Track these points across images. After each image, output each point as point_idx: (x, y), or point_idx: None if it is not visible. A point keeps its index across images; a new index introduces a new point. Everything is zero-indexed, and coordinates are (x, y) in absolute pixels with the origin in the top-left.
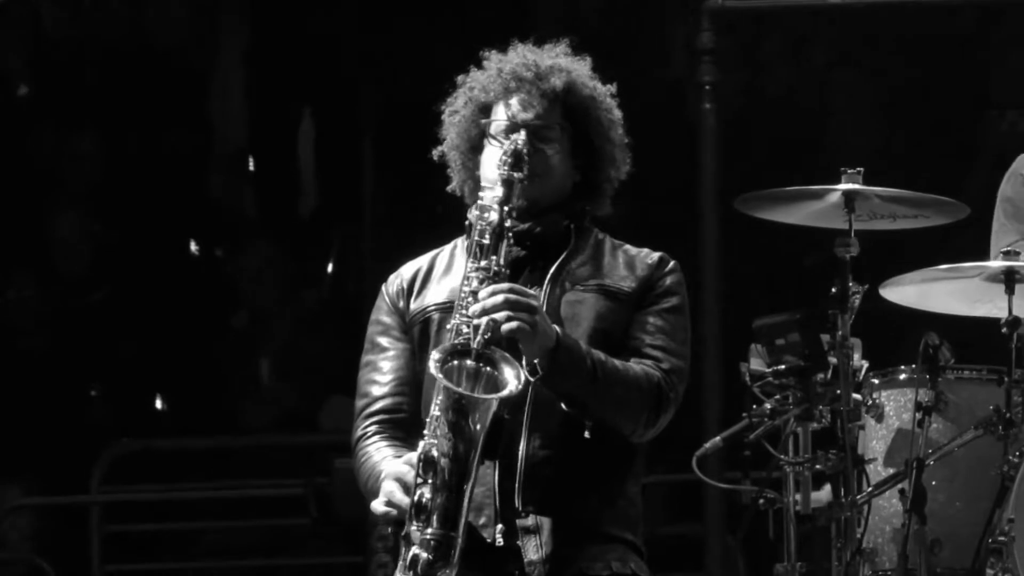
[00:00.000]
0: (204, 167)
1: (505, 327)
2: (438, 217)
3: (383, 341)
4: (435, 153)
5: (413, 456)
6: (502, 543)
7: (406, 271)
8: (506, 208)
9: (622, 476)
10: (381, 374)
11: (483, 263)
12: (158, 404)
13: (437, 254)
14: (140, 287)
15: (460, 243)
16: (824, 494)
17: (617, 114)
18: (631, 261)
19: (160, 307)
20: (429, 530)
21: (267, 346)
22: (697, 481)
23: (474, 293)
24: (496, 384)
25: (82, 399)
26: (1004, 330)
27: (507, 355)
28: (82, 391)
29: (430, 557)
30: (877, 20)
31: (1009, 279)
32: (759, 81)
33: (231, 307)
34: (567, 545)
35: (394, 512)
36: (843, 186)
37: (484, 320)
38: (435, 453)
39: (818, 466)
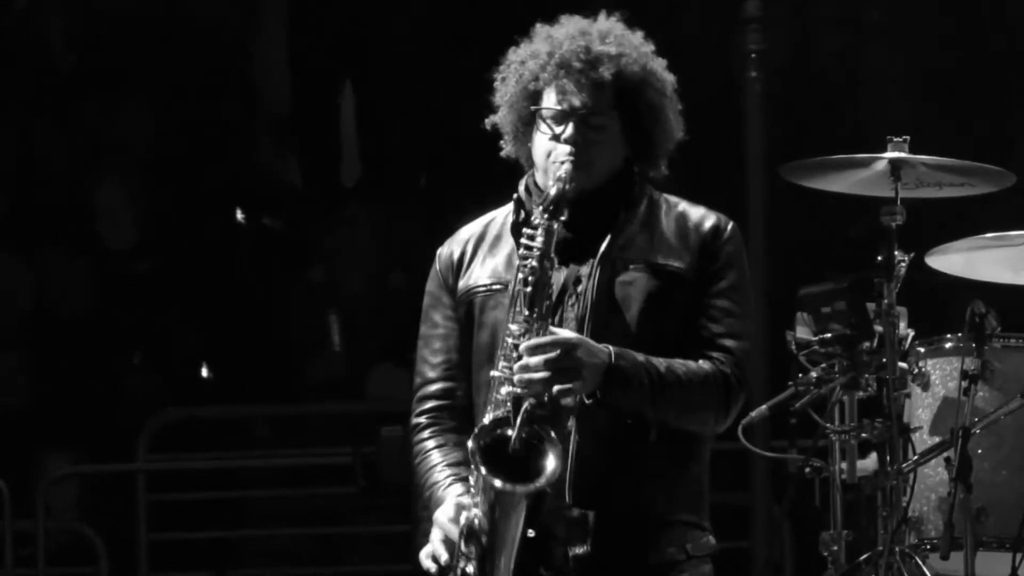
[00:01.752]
0: (249, 136)
1: (554, 394)
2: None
3: (435, 316)
4: (487, 122)
5: (462, 501)
6: (533, 535)
7: (457, 241)
8: (546, 260)
9: (682, 460)
10: (432, 353)
11: (525, 313)
12: (204, 372)
13: (491, 220)
14: (186, 256)
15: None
16: (870, 463)
17: (670, 84)
18: (684, 231)
19: (206, 276)
20: None
21: (314, 315)
22: (743, 450)
23: (516, 346)
24: (538, 462)
25: (128, 368)
26: None
27: (550, 434)
28: (128, 360)
29: None
30: None
31: None
32: (805, 49)
33: (277, 277)
34: (615, 537)
35: (441, 562)
36: (889, 154)
37: (526, 382)
38: (477, 526)
39: (864, 435)
